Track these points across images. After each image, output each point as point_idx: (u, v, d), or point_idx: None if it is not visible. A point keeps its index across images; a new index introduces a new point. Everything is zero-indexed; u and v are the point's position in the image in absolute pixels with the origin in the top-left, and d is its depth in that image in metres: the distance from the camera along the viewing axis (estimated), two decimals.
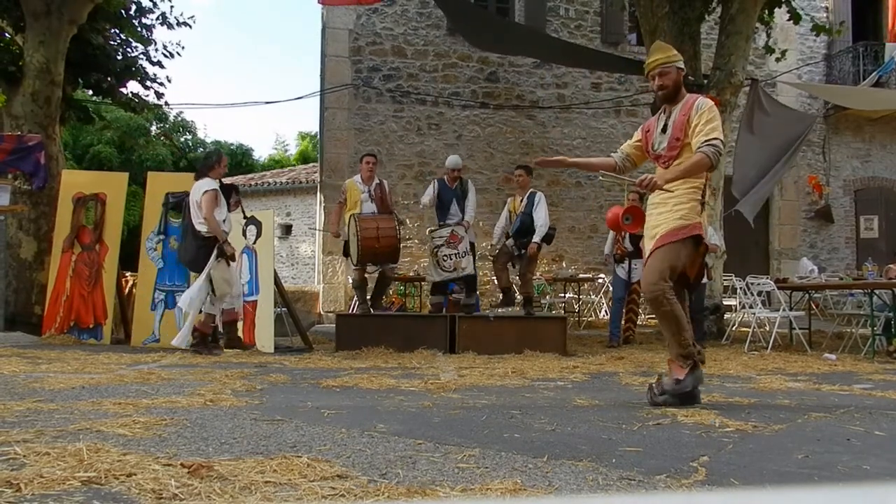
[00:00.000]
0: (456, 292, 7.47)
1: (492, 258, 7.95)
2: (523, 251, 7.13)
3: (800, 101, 13.47)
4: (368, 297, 7.30)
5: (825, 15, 13.77)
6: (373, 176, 7.17)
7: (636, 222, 3.55)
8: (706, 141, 3.48)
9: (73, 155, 19.91)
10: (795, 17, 9.54)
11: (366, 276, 7.20)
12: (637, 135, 3.92)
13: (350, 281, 9.90)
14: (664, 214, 3.61)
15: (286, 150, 30.55)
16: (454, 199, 7.20)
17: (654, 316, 4.28)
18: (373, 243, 6.70)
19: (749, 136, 9.60)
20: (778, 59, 10.55)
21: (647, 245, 3.69)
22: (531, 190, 7.31)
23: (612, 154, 3.97)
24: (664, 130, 3.68)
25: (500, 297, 7.59)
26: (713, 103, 3.68)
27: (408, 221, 7.59)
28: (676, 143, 3.62)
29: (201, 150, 24.15)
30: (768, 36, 10.24)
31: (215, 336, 6.93)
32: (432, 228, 7.49)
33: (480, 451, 2.46)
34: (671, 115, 3.68)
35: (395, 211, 7.33)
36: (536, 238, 7.01)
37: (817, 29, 10.19)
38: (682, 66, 3.74)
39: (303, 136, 30.04)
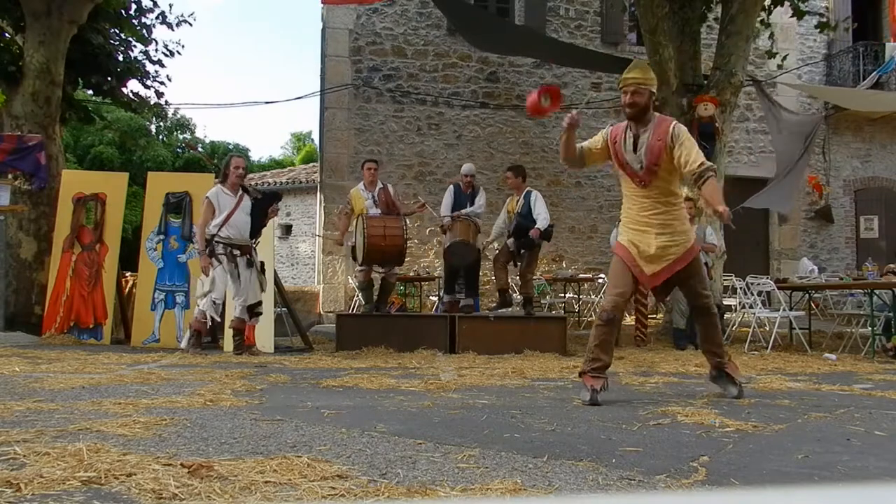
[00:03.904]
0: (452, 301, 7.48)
1: (491, 258, 7.95)
2: (522, 251, 7.14)
3: (799, 101, 13.47)
4: (374, 299, 7.30)
5: (825, 15, 13.76)
6: (375, 181, 7.16)
7: (554, 101, 3.81)
8: (706, 167, 3.70)
9: (75, 156, 19.91)
10: (799, 14, 9.53)
11: (371, 277, 7.20)
12: (599, 141, 3.98)
13: (353, 282, 9.88)
14: (670, 237, 3.81)
15: (295, 153, 30.56)
16: (467, 204, 7.32)
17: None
18: (379, 241, 6.69)
19: (777, 136, 9.73)
20: (780, 66, 10.57)
21: (649, 267, 3.80)
22: (527, 189, 7.32)
23: (580, 143, 4.03)
24: (635, 150, 3.80)
25: (497, 300, 7.56)
26: (685, 128, 3.88)
27: (408, 221, 7.56)
28: (655, 167, 3.76)
29: (200, 148, 24.14)
30: (772, 38, 10.22)
31: (214, 336, 6.95)
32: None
33: (480, 451, 2.46)
34: (641, 137, 3.80)
35: (402, 205, 7.28)
36: (540, 225, 7.00)
37: (822, 26, 10.16)
38: (656, 90, 3.90)
39: (298, 138, 30.02)
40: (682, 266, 3.83)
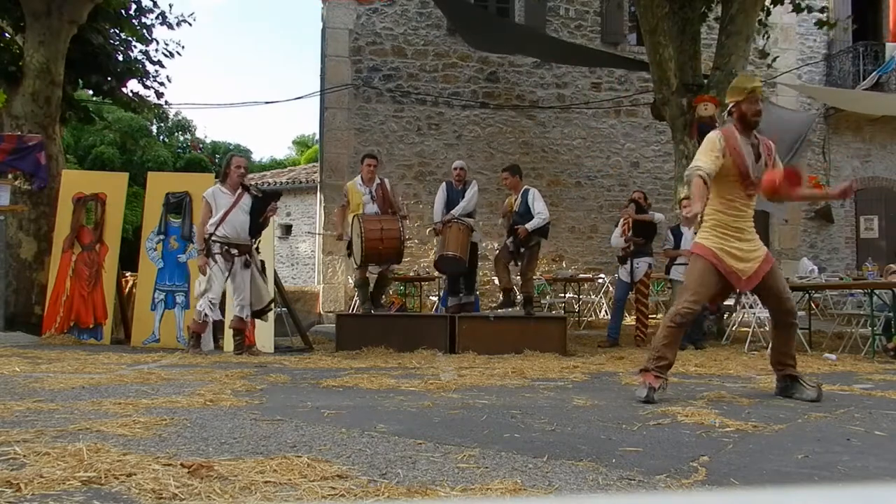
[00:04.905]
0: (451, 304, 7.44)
1: (493, 258, 7.95)
2: (522, 249, 7.13)
3: (799, 101, 13.48)
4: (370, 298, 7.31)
5: (825, 15, 13.77)
6: (373, 177, 7.14)
7: (793, 186, 3.89)
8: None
9: (76, 156, 19.90)
10: (797, 9, 9.53)
11: (367, 275, 7.21)
12: (720, 158, 3.85)
13: (351, 281, 9.89)
14: (754, 241, 3.98)
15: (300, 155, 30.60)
16: (459, 199, 7.26)
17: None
18: (377, 244, 6.68)
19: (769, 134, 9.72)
20: (769, 66, 10.59)
21: (740, 265, 3.89)
22: (525, 187, 7.31)
23: (701, 175, 3.85)
24: (757, 160, 3.93)
25: (500, 298, 7.57)
26: None
27: (407, 222, 7.55)
28: None
29: (201, 148, 24.16)
30: (766, 38, 10.22)
31: (215, 336, 6.94)
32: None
33: (480, 451, 2.46)
34: (758, 147, 3.95)
35: (399, 207, 7.27)
36: (530, 225, 6.97)
37: (820, 24, 10.16)
38: None
39: (303, 143, 30.02)
40: (768, 267, 3.95)
